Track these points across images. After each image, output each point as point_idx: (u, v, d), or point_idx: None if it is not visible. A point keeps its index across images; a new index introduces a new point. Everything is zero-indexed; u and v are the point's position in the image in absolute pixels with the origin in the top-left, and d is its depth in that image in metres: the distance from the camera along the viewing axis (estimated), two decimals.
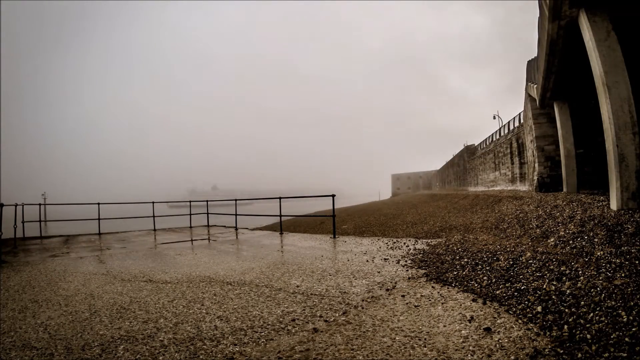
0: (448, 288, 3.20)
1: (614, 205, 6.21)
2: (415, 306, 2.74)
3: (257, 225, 15.69)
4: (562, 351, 1.90)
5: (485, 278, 3.37)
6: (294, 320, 2.54)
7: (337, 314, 2.63)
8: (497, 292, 2.97)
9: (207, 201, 11.42)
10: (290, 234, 8.32)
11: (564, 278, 3.07)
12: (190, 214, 11.07)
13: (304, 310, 2.75)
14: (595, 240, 4.40)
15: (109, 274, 4.31)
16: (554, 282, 2.99)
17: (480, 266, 3.84)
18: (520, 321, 2.35)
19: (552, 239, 5.03)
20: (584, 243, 4.39)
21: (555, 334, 2.11)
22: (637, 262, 3.25)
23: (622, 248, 3.80)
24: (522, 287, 2.97)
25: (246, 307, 2.87)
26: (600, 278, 2.94)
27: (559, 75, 10.73)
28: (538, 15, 9.47)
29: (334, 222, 7.41)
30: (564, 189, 12.99)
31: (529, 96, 15.91)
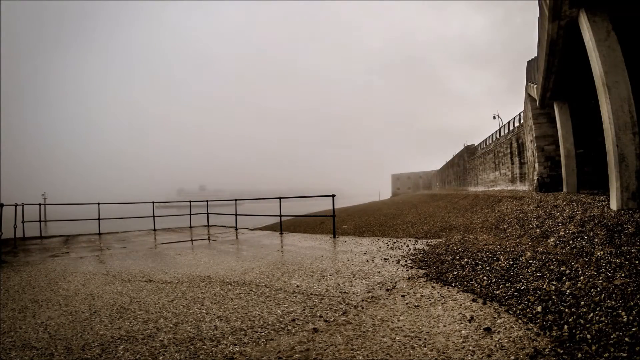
0: (448, 288, 3.20)
1: (614, 205, 6.21)
2: (415, 306, 2.74)
3: (257, 225, 15.69)
4: (562, 351, 1.90)
5: (485, 278, 3.37)
6: (294, 320, 2.54)
7: (337, 314, 2.63)
8: (497, 292, 2.97)
9: (207, 201, 11.42)
10: (290, 234, 8.32)
11: (564, 278, 3.07)
12: (190, 214, 11.07)
13: (304, 310, 2.75)
14: (595, 240, 4.40)
15: (109, 274, 4.31)
16: (554, 282, 2.99)
17: (480, 266, 3.84)
18: (520, 321, 2.35)
19: (552, 239, 5.03)
20: (584, 243, 4.39)
21: (555, 334, 2.11)
22: (637, 262, 3.25)
23: (622, 248, 3.80)
24: (522, 287, 2.97)
25: (246, 307, 2.87)
26: (600, 278, 2.94)
27: (559, 75, 10.74)
28: (538, 15, 9.47)
29: (334, 222, 7.41)
30: (564, 189, 12.99)
31: (529, 96, 15.91)
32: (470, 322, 2.36)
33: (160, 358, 2.02)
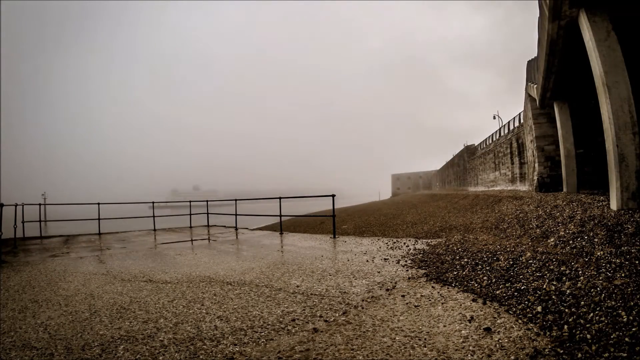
0: (448, 288, 3.20)
1: (614, 205, 6.21)
2: (415, 306, 2.74)
3: (257, 225, 15.69)
4: (562, 351, 1.90)
5: (485, 278, 3.37)
6: (294, 320, 2.54)
7: (337, 314, 2.63)
8: (497, 292, 2.97)
9: (207, 201, 11.43)
10: (290, 234, 8.32)
11: (564, 278, 3.07)
12: (190, 214, 11.07)
13: (304, 310, 2.75)
14: (595, 240, 4.40)
15: (109, 274, 4.31)
16: (554, 282, 2.99)
17: (480, 266, 3.84)
18: (520, 321, 2.35)
19: (552, 239, 5.03)
20: (584, 243, 4.39)
21: (555, 334, 2.11)
22: (637, 262, 3.25)
23: (622, 248, 3.80)
24: (522, 287, 2.97)
25: (246, 307, 2.87)
26: (600, 278, 2.94)
27: (559, 75, 10.73)
28: (538, 15, 9.47)
29: (334, 222, 7.41)
30: (564, 189, 12.99)
31: (529, 96, 15.91)
32: (470, 322, 2.36)
33: (160, 358, 2.02)
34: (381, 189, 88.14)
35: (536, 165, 15.12)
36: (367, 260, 4.55)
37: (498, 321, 2.36)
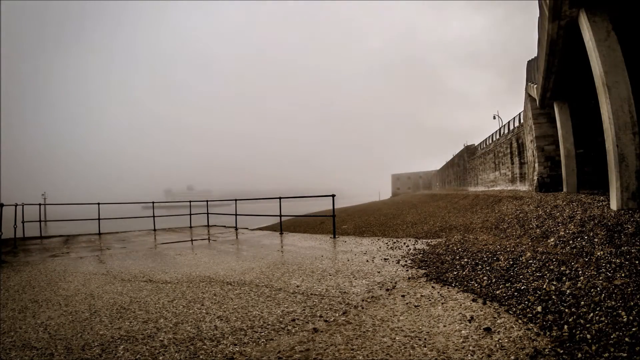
0: (448, 288, 3.20)
1: (614, 205, 6.21)
2: (415, 306, 2.74)
3: (257, 225, 15.69)
4: (562, 351, 1.90)
5: (485, 278, 3.37)
6: (294, 320, 2.54)
7: (337, 314, 2.63)
8: (497, 292, 2.97)
9: (207, 201, 11.43)
10: (290, 234, 8.32)
11: (564, 278, 3.07)
12: (190, 214, 11.07)
13: (304, 310, 2.75)
14: (595, 240, 4.40)
15: (109, 274, 4.31)
16: (554, 282, 2.99)
17: (480, 266, 3.84)
18: (520, 321, 2.35)
19: (552, 239, 5.03)
20: (584, 243, 4.39)
21: (555, 334, 2.11)
22: (637, 262, 3.25)
23: (622, 248, 3.80)
24: (522, 287, 2.97)
25: (246, 307, 2.87)
26: (600, 278, 2.94)
27: (559, 75, 10.73)
28: (538, 15, 9.47)
29: (334, 222, 7.41)
30: (564, 189, 12.99)
31: (529, 96, 15.91)
32: (470, 322, 2.36)
33: (160, 358, 2.02)
34: (381, 189, 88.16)
35: (536, 165, 15.12)
36: (367, 260, 4.55)
37: (498, 321, 2.36)
